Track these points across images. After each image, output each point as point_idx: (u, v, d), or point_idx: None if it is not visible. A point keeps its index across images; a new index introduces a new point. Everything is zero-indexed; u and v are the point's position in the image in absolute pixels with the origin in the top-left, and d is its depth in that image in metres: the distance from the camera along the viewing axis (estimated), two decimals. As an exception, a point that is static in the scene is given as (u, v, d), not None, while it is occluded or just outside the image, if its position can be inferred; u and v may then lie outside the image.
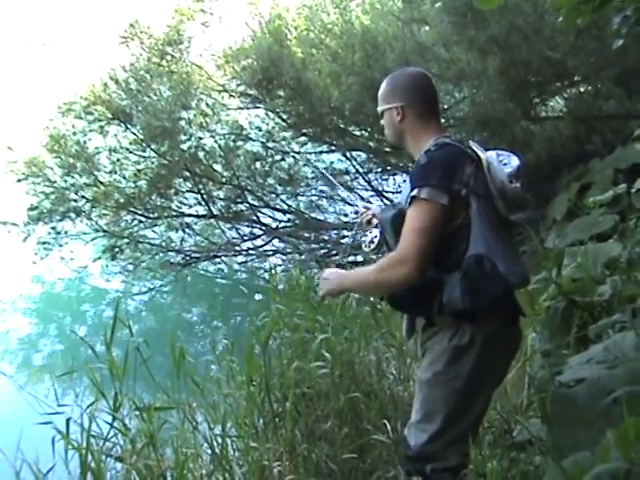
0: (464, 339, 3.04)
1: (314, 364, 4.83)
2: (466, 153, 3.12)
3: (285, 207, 14.50)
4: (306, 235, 14.13)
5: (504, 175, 3.08)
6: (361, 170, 14.40)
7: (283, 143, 14.25)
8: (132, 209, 13.85)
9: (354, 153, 14.10)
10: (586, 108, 10.87)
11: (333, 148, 14.02)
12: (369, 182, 14.45)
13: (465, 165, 3.05)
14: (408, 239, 2.99)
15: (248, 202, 14.17)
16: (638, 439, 2.12)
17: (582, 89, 11.35)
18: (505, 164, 3.15)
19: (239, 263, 15.21)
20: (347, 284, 3.32)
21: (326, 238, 14.11)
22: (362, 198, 14.51)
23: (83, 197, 13.89)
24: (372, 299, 5.69)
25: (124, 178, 14.03)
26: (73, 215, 13.93)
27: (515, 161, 3.18)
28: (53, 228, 14.04)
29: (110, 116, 13.70)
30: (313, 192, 14.79)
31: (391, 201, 13.26)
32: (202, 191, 13.94)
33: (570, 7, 3.81)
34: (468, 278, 2.94)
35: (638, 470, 2.07)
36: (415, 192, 2.98)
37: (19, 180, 13.82)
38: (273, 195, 14.37)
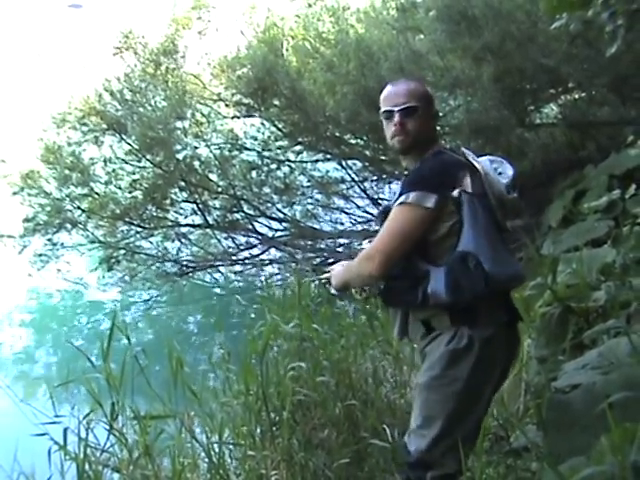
0: (462, 342, 3.06)
1: (311, 372, 4.84)
2: (460, 160, 3.20)
3: (281, 216, 14.48)
4: (302, 244, 14.11)
5: (502, 185, 3.17)
6: (357, 178, 14.39)
7: (279, 152, 14.24)
8: (128, 220, 13.82)
9: (350, 161, 14.09)
10: (580, 115, 10.91)
11: (329, 157, 14.01)
12: (365, 190, 14.44)
13: (457, 169, 3.14)
14: (381, 239, 3.16)
15: (244, 211, 14.15)
16: (629, 445, 2.13)
17: (576, 96, 11.39)
18: (500, 173, 3.22)
19: (235, 273, 15.17)
20: (345, 276, 3.42)
21: (322, 247, 14.10)
22: (358, 207, 14.53)
23: (79, 208, 13.86)
24: (368, 306, 5.69)
25: (119, 189, 14.00)
26: (69, 226, 13.89)
27: (509, 169, 3.26)
28: (49, 240, 14.00)
29: (105, 127, 13.70)
30: (309, 201, 14.77)
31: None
32: (198, 201, 13.93)
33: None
34: (451, 273, 3.02)
35: (630, 475, 2.08)
36: (403, 197, 3.09)
37: (14, 193, 13.80)
38: (269, 204, 14.33)
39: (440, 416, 3.11)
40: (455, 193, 3.06)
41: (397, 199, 3.14)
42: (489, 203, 3.12)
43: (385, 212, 3.24)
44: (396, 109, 3.25)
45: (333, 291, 3.54)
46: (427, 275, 3.07)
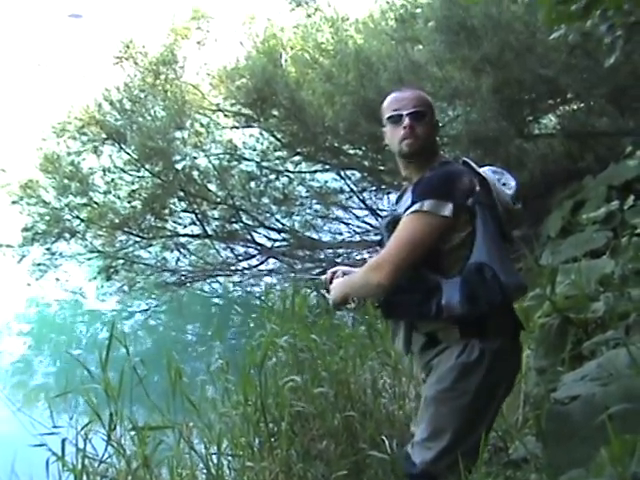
0: (473, 355, 3.05)
1: (310, 383, 4.83)
2: (469, 170, 3.19)
3: (280, 226, 14.48)
4: (301, 254, 14.11)
5: (508, 197, 3.20)
6: (355, 189, 14.41)
7: (277, 162, 14.25)
8: (127, 229, 13.82)
9: (348, 172, 14.11)
10: (579, 125, 10.93)
11: (327, 167, 14.04)
12: (363, 201, 14.46)
13: (470, 179, 3.12)
14: (391, 248, 3.10)
15: (243, 222, 14.16)
16: (629, 456, 2.12)
17: (575, 106, 11.42)
18: (504, 184, 3.25)
19: (234, 283, 15.17)
20: (345, 290, 3.36)
21: (321, 257, 14.09)
22: (357, 217, 14.54)
23: (77, 217, 13.86)
24: (367, 317, 5.68)
25: (118, 198, 14.00)
26: (68, 236, 13.90)
27: (511, 180, 3.27)
28: (48, 249, 14.01)
29: (104, 136, 13.70)
30: (308, 211, 14.78)
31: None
32: (197, 211, 13.94)
33: (549, 7, 3.83)
34: (468, 284, 2.99)
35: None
36: (417, 205, 3.03)
37: (14, 202, 13.81)
38: (268, 214, 14.34)
39: (449, 429, 3.10)
40: (469, 202, 3.05)
41: (409, 207, 3.08)
42: (497, 213, 3.12)
43: (393, 221, 3.17)
44: (405, 112, 3.21)
45: (331, 304, 3.48)
46: (439, 287, 3.03)
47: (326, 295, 3.56)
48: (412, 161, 3.27)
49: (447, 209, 3.00)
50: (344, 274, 3.50)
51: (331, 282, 3.51)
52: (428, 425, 3.18)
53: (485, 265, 2.99)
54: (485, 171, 3.22)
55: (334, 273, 3.55)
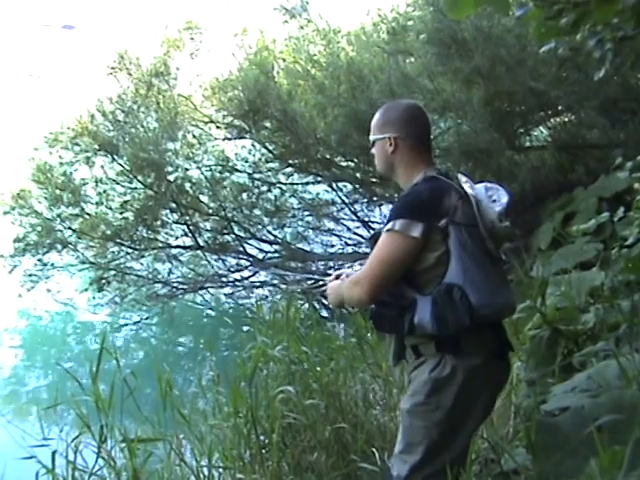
0: (445, 371, 3.02)
1: (301, 395, 4.82)
2: (451, 186, 3.14)
3: (272, 238, 14.49)
4: (293, 266, 14.10)
5: (494, 214, 3.08)
6: (347, 201, 14.40)
7: (269, 174, 14.27)
8: (119, 240, 13.81)
9: (340, 184, 14.10)
10: (569, 137, 10.95)
11: (319, 179, 14.03)
12: (355, 213, 14.46)
13: (448, 197, 3.07)
14: (369, 265, 3.11)
15: (234, 233, 14.16)
16: (617, 468, 2.13)
17: (565, 119, 11.44)
18: (494, 200, 3.14)
19: (226, 295, 15.16)
20: (336, 297, 3.39)
21: (313, 269, 14.08)
22: (349, 229, 14.54)
23: (69, 228, 13.86)
24: (358, 329, 5.68)
25: (110, 209, 14.01)
26: (59, 247, 13.89)
27: (504, 196, 3.16)
28: (39, 260, 13.98)
29: (97, 147, 13.70)
30: (300, 223, 14.80)
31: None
32: (188, 222, 13.94)
33: (538, 22, 3.85)
34: (437, 305, 2.98)
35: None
36: (390, 225, 3.04)
37: (6, 213, 13.79)
38: (259, 226, 14.35)
39: (422, 443, 3.07)
40: (442, 223, 3.01)
41: (385, 225, 3.09)
42: (480, 233, 3.07)
43: (375, 237, 3.18)
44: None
45: (331, 306, 3.51)
46: (414, 304, 3.03)
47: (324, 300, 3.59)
48: (389, 180, 3.38)
49: (417, 230, 2.98)
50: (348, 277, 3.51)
51: None
52: (403, 438, 3.18)
53: (455, 286, 2.96)
54: (474, 188, 3.16)
55: (338, 277, 3.54)
